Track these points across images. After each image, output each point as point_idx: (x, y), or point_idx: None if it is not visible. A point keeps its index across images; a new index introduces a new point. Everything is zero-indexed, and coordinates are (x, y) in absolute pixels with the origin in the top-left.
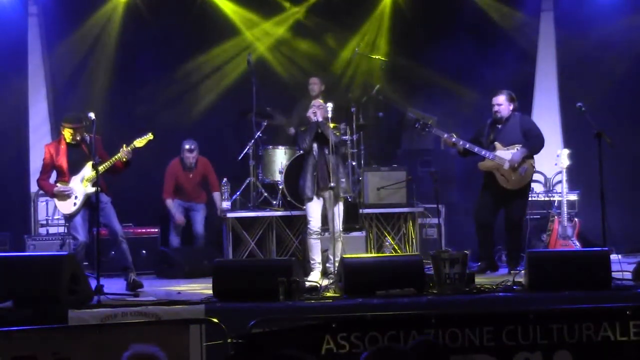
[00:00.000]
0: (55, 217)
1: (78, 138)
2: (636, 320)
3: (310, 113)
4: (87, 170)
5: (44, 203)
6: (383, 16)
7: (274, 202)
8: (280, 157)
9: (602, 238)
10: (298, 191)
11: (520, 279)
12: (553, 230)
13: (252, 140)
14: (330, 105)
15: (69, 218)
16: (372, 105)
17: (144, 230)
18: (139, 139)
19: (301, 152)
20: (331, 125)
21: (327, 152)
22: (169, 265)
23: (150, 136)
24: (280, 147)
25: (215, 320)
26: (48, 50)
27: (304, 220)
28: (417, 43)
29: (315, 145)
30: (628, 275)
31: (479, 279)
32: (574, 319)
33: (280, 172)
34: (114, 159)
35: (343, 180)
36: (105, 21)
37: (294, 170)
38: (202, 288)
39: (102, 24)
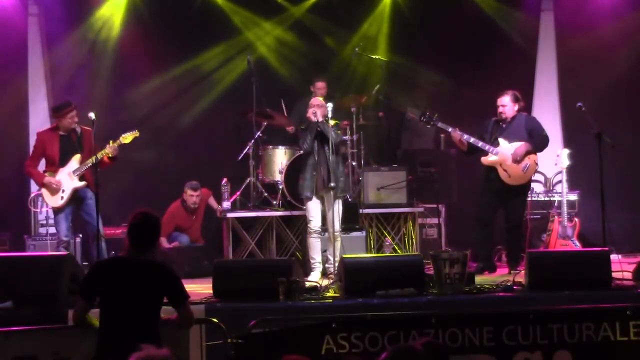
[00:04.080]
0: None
1: (77, 120)
2: (636, 320)
3: (310, 113)
4: (74, 164)
5: (44, 203)
6: (383, 16)
7: (274, 202)
8: (280, 157)
9: (602, 238)
10: (298, 190)
11: (520, 279)
12: (553, 230)
13: (252, 140)
14: (330, 105)
15: (55, 212)
16: (372, 105)
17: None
18: (125, 135)
19: (301, 152)
20: (332, 122)
21: (327, 151)
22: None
23: (136, 133)
24: (280, 147)
25: (215, 320)
26: (48, 50)
27: (304, 220)
28: (417, 43)
29: (315, 145)
30: (628, 275)
31: (479, 279)
32: (574, 319)
33: (280, 172)
34: (99, 154)
35: (342, 179)
36: (105, 21)
37: (294, 170)
38: (202, 288)
39: (102, 23)
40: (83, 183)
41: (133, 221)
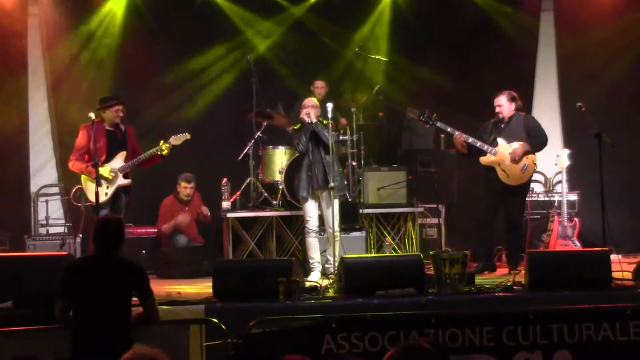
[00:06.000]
0: (54, 217)
1: (122, 115)
2: (636, 320)
3: (303, 114)
4: (120, 161)
5: (44, 203)
6: (383, 16)
7: (274, 202)
8: (280, 157)
9: (602, 238)
10: (293, 191)
11: (520, 279)
12: (553, 230)
13: (252, 140)
14: (330, 105)
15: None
16: (372, 105)
17: (143, 231)
18: (176, 136)
19: None
20: (324, 122)
21: (322, 152)
22: (169, 265)
23: (186, 135)
24: (280, 147)
25: (215, 320)
26: (48, 50)
27: (303, 220)
28: (417, 43)
29: (309, 145)
30: (628, 275)
31: (479, 279)
32: (574, 319)
33: (280, 172)
34: (151, 152)
35: (337, 178)
36: (106, 21)
37: (294, 171)
38: (202, 288)
39: (102, 24)
40: (128, 181)
41: (96, 228)
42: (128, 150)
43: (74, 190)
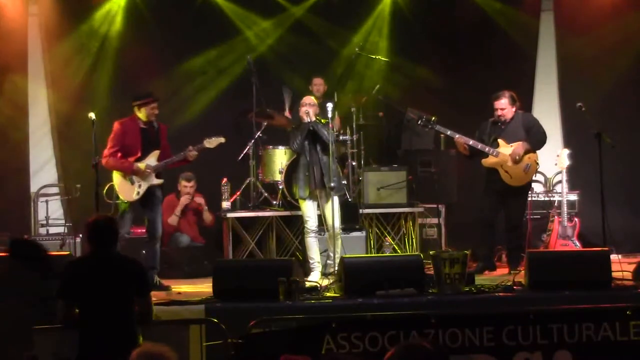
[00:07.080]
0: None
1: (157, 113)
2: (636, 320)
3: (302, 112)
4: (153, 160)
5: (44, 203)
6: (383, 16)
7: (274, 202)
8: (280, 157)
9: (602, 238)
10: (291, 191)
11: (520, 279)
12: (553, 230)
13: (252, 140)
14: (330, 105)
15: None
16: (372, 105)
17: (143, 231)
18: (209, 139)
19: None
20: (324, 120)
21: (319, 152)
22: (169, 265)
23: (221, 139)
24: (280, 147)
25: (215, 320)
26: (48, 50)
27: (303, 220)
28: (417, 43)
29: (306, 145)
30: (628, 275)
31: (479, 279)
32: (574, 319)
33: (280, 172)
34: (181, 157)
35: (335, 178)
36: (106, 21)
37: (294, 171)
38: (202, 288)
39: (102, 23)
40: (160, 180)
41: (88, 228)
42: (161, 149)
43: (106, 187)
